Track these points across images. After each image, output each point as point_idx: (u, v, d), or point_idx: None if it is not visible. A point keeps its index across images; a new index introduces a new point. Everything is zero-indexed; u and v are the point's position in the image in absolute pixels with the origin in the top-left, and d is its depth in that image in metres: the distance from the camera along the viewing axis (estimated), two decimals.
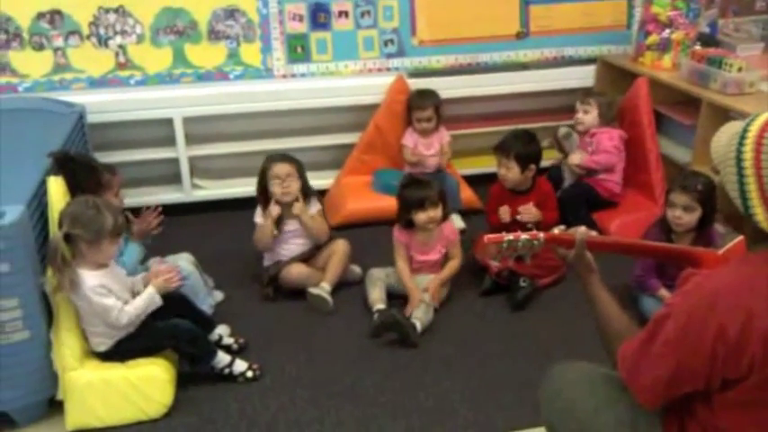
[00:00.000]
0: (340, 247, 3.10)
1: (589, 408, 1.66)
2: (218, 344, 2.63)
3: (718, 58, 3.39)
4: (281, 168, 2.97)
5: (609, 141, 3.49)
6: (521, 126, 3.48)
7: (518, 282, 2.97)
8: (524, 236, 1.77)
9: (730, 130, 1.46)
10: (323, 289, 2.96)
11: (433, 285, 2.93)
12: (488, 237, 1.78)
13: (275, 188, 2.98)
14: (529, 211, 3.08)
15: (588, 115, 3.52)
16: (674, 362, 1.40)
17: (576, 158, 3.50)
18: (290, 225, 3.05)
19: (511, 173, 3.12)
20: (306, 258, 3.10)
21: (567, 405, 1.72)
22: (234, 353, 2.62)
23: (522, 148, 3.11)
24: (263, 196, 3.04)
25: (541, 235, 1.79)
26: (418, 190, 2.92)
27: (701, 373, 1.38)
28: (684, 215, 2.72)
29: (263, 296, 3.05)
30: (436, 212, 2.91)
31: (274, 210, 2.99)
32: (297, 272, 3.03)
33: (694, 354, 1.37)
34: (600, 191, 3.51)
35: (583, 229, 1.79)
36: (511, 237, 1.77)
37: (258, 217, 3.05)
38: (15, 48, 3.50)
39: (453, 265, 3.02)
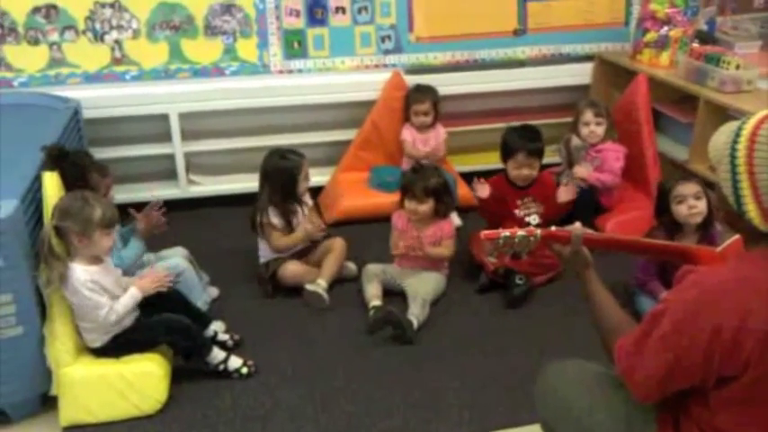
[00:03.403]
0: (337, 244, 3.10)
1: (584, 406, 1.66)
2: (214, 340, 2.63)
3: (715, 56, 3.37)
4: (306, 167, 3.02)
5: (616, 162, 3.44)
6: (517, 123, 3.46)
7: (514, 279, 2.96)
8: (521, 232, 1.77)
9: (729, 128, 1.45)
10: (319, 285, 2.96)
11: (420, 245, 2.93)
12: (485, 232, 1.77)
13: (304, 185, 3.02)
14: (528, 207, 3.09)
15: (601, 127, 3.47)
16: (670, 357, 1.39)
17: (583, 172, 3.43)
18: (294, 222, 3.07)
19: (534, 171, 3.15)
20: (302, 254, 3.10)
21: (561, 403, 1.72)
22: (229, 349, 2.61)
23: (540, 144, 3.15)
24: (286, 196, 3.00)
25: (538, 231, 1.78)
26: (413, 179, 2.95)
27: (697, 369, 1.38)
28: (698, 203, 2.69)
29: (263, 294, 3.04)
30: (417, 206, 2.92)
31: (312, 228, 3.01)
32: (292, 270, 3.02)
33: (690, 350, 1.36)
34: (600, 199, 3.49)
35: (578, 224, 1.79)
36: (507, 233, 1.76)
37: (275, 217, 2.99)
38: (10, 42, 3.48)
39: (443, 251, 2.99)
